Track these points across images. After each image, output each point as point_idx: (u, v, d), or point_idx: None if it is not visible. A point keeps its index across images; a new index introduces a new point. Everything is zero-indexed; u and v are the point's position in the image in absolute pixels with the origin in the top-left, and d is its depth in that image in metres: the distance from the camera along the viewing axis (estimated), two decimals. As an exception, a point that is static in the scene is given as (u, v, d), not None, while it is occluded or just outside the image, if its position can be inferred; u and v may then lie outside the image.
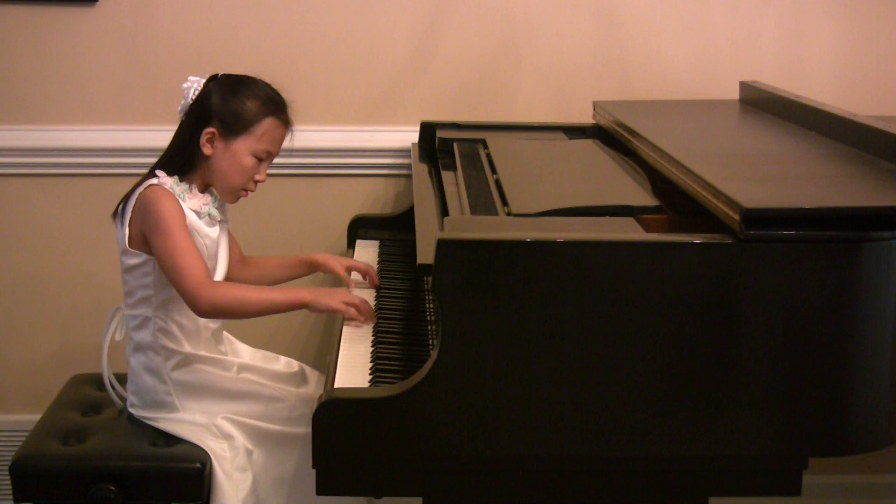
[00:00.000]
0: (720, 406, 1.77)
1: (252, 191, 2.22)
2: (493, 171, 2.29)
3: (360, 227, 2.74)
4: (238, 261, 2.37)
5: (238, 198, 2.23)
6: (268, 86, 2.21)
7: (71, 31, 2.76)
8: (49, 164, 2.80)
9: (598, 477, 1.85)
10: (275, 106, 2.19)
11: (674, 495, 1.87)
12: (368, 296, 2.27)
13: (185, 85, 2.19)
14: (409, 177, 2.77)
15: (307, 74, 2.80)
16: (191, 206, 2.16)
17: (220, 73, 2.21)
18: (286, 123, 2.21)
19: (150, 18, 2.77)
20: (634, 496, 1.87)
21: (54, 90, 2.78)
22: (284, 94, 2.22)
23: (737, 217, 1.70)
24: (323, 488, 1.81)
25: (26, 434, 2.21)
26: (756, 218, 1.69)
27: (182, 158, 2.17)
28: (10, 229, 2.85)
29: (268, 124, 2.17)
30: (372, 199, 2.88)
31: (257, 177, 2.20)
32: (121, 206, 2.17)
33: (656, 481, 1.86)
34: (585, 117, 2.80)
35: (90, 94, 2.79)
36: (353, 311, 2.12)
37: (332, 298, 2.12)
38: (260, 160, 2.19)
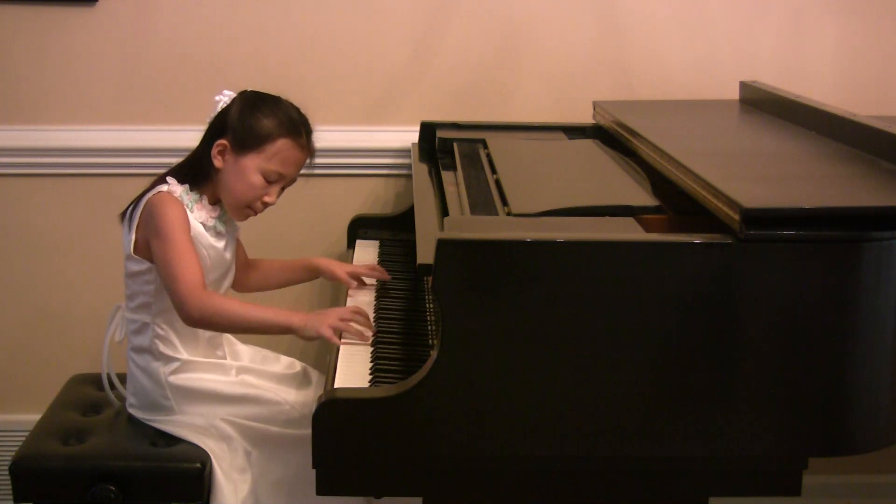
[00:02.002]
0: (720, 406, 1.77)
1: (259, 211, 2.18)
2: (493, 171, 2.29)
3: (360, 227, 2.74)
4: (243, 265, 2.36)
5: (246, 216, 2.20)
6: (293, 108, 2.17)
7: (71, 31, 2.76)
8: (49, 164, 2.80)
9: (598, 477, 1.85)
10: (293, 128, 2.14)
11: (674, 495, 1.87)
12: (368, 305, 2.25)
13: (217, 97, 2.17)
14: (409, 177, 2.77)
15: (307, 75, 2.80)
16: (198, 217, 2.14)
17: (250, 89, 2.19)
18: (303, 148, 2.16)
19: (150, 19, 2.77)
20: (634, 496, 1.87)
21: (54, 90, 2.78)
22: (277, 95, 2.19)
23: (737, 217, 1.70)
24: (323, 488, 1.81)
25: (26, 434, 2.21)
26: (756, 218, 1.69)
27: (195, 168, 2.16)
28: (10, 229, 2.85)
29: (281, 145, 2.13)
30: (372, 199, 2.88)
31: (266, 198, 2.16)
32: (129, 210, 2.16)
33: (656, 481, 1.85)
34: (585, 117, 2.80)
35: (90, 94, 2.79)
36: (347, 330, 2.04)
37: (322, 324, 2.03)
38: (270, 182, 2.15)
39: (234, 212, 2.19)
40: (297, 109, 2.18)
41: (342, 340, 2.03)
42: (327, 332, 2.02)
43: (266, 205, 2.18)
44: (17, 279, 2.88)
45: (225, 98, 2.17)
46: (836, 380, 1.76)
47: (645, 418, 1.76)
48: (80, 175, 2.82)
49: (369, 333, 2.06)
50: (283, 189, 2.20)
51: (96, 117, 2.80)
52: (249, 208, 2.17)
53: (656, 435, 1.77)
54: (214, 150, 2.13)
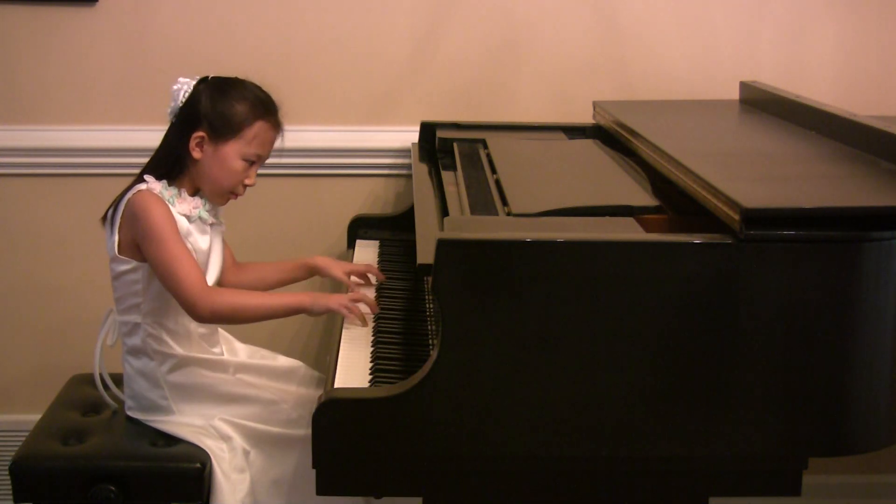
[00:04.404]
0: (720, 406, 1.77)
1: (241, 194, 2.21)
2: (493, 171, 2.29)
3: (360, 227, 2.74)
4: (230, 266, 2.35)
5: (227, 200, 2.21)
6: (257, 88, 2.18)
7: (71, 31, 2.76)
8: (49, 164, 2.80)
9: (598, 477, 1.85)
10: (265, 109, 2.16)
11: (674, 495, 1.87)
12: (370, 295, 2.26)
13: (174, 87, 2.16)
14: (409, 177, 2.77)
15: (307, 74, 2.80)
16: (181, 210, 2.14)
17: (210, 75, 2.19)
18: (276, 126, 2.19)
19: (149, 18, 2.77)
20: (634, 496, 1.87)
21: (54, 90, 2.78)
22: (277, 96, 2.19)
23: (737, 217, 1.70)
24: (323, 488, 1.81)
25: (26, 434, 2.21)
26: (756, 218, 1.69)
27: (170, 162, 2.15)
28: (9, 229, 2.85)
29: (258, 128, 2.15)
30: (372, 199, 2.88)
31: (247, 181, 2.18)
32: (110, 212, 2.16)
33: (656, 481, 1.86)
34: (585, 117, 2.80)
35: (90, 94, 2.79)
36: (353, 310, 2.12)
37: (331, 300, 2.13)
38: (250, 163, 2.17)
39: (216, 199, 2.20)
40: (260, 88, 2.19)
41: (345, 323, 2.12)
42: (336, 305, 2.11)
43: (247, 187, 2.20)
44: (17, 279, 2.88)
45: (183, 86, 2.16)
46: (836, 380, 1.76)
47: (645, 418, 1.76)
48: (80, 175, 2.82)
49: (370, 317, 2.15)
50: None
51: (96, 117, 2.80)
52: (232, 193, 2.19)
53: (656, 435, 1.77)
54: (192, 143, 2.13)
